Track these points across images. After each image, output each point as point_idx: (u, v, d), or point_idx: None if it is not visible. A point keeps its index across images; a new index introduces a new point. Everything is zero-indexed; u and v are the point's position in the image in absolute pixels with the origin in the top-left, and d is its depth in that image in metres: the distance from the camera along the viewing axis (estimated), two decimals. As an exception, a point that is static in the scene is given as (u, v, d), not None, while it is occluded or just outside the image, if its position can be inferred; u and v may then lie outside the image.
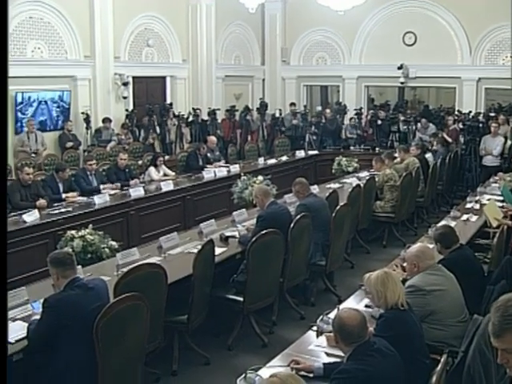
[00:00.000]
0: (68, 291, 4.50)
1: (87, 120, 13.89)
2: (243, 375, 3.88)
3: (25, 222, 8.26)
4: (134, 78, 15.63)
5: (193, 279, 5.66)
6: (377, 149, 14.85)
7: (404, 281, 4.88)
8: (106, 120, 14.13)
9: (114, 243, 7.14)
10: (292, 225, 6.79)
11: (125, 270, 5.64)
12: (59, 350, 4.43)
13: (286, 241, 6.64)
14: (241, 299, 6.30)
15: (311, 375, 4.00)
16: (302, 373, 3.97)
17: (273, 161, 13.62)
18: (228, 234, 7.35)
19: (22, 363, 4.49)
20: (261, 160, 13.52)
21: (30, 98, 13.22)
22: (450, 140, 14.22)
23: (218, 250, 6.46)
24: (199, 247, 6.07)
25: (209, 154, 12.76)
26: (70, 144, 13.29)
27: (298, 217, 6.98)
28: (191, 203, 10.81)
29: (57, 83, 13.80)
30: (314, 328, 4.75)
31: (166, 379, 5.78)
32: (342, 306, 4.90)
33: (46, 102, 13.58)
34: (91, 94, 14.60)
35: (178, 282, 5.75)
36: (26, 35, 13.14)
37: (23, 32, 13.05)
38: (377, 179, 10.20)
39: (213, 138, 13.44)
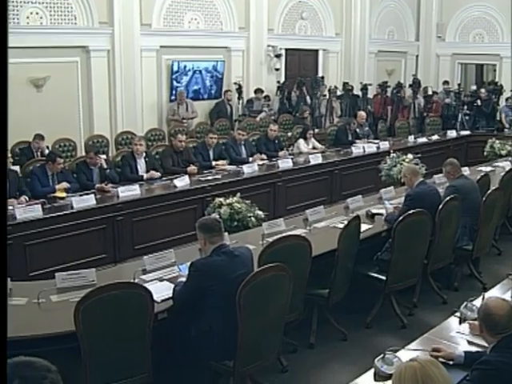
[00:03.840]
0: (214, 257, 4.59)
1: (239, 90, 14.12)
2: (381, 355, 3.82)
3: (175, 186, 8.59)
4: (286, 50, 15.74)
5: (337, 254, 5.64)
6: (533, 132, 14.15)
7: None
8: (258, 91, 14.33)
9: (260, 213, 7.23)
10: (441, 206, 6.60)
11: (270, 239, 5.72)
12: (202, 312, 4.56)
13: (433, 222, 6.47)
14: (383, 278, 6.23)
15: (451, 362, 3.89)
16: (441, 359, 3.85)
17: (423, 139, 13.28)
18: (374, 211, 7.25)
19: (166, 322, 4.65)
20: (411, 138, 13.25)
21: (185, 67, 13.59)
22: None
23: (363, 227, 6.38)
24: (345, 222, 6.03)
25: (358, 130, 12.65)
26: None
27: (448, 198, 6.77)
28: (338, 178, 10.80)
29: (211, 53, 14.12)
30: (457, 314, 4.61)
31: (303, 351, 5.81)
32: (487, 294, 4.71)
33: (200, 71, 13.91)
34: (244, 65, 14.86)
35: (322, 256, 5.74)
36: (184, 7, 13.54)
37: (181, 4, 13.48)
38: (532, 164, 9.74)
39: (362, 114, 13.28)
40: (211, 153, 10.03)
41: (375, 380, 3.72)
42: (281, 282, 4.61)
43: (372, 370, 3.77)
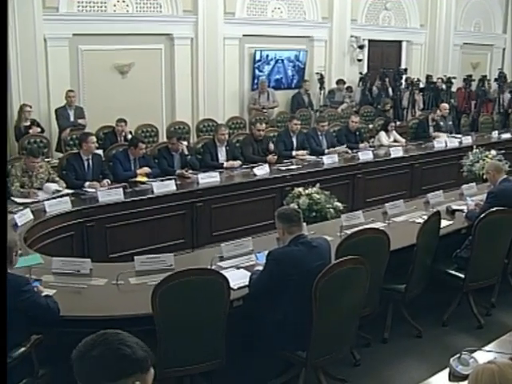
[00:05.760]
0: (292, 247, 4.59)
1: (321, 81, 14.08)
2: (457, 355, 3.73)
3: (255, 175, 8.64)
4: (369, 41, 15.60)
5: (415, 249, 5.56)
6: None
7: None
8: (340, 82, 14.28)
9: (339, 204, 7.21)
10: (524, 205, 6.43)
11: (348, 232, 5.69)
12: (277, 302, 4.57)
13: (516, 221, 6.31)
14: (462, 276, 6.09)
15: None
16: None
17: (507, 135, 12.88)
18: (455, 207, 7.09)
19: (241, 310, 4.67)
20: (495, 133, 12.87)
21: (267, 56, 13.63)
22: None
23: (443, 223, 6.24)
24: (425, 217, 5.97)
25: (441, 123, 12.42)
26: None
27: (532, 197, 6.59)
28: (419, 172, 10.63)
29: (294, 43, 14.12)
30: (537, 317, 4.48)
31: (376, 345, 5.75)
32: None
33: (282, 60, 13.94)
34: (326, 55, 14.80)
35: (400, 251, 5.65)
36: (268, -5, 13.59)
37: (264, -6, 13.52)
38: None
39: (445, 105, 13.00)
40: (294, 140, 10.04)
41: (450, 380, 3.64)
42: (358, 275, 4.58)
43: (447, 370, 3.69)
